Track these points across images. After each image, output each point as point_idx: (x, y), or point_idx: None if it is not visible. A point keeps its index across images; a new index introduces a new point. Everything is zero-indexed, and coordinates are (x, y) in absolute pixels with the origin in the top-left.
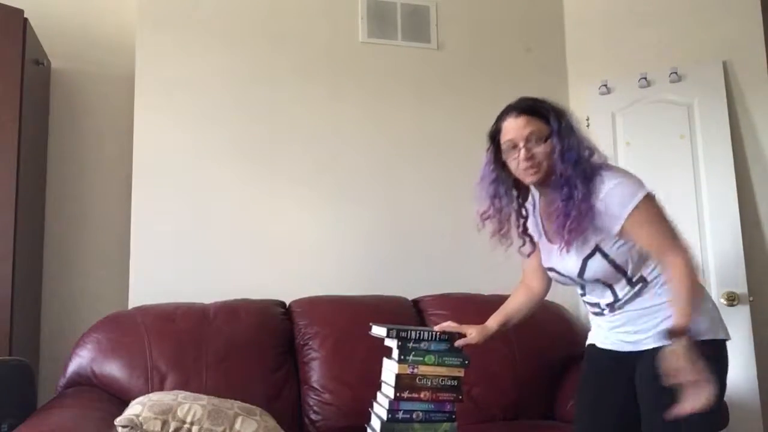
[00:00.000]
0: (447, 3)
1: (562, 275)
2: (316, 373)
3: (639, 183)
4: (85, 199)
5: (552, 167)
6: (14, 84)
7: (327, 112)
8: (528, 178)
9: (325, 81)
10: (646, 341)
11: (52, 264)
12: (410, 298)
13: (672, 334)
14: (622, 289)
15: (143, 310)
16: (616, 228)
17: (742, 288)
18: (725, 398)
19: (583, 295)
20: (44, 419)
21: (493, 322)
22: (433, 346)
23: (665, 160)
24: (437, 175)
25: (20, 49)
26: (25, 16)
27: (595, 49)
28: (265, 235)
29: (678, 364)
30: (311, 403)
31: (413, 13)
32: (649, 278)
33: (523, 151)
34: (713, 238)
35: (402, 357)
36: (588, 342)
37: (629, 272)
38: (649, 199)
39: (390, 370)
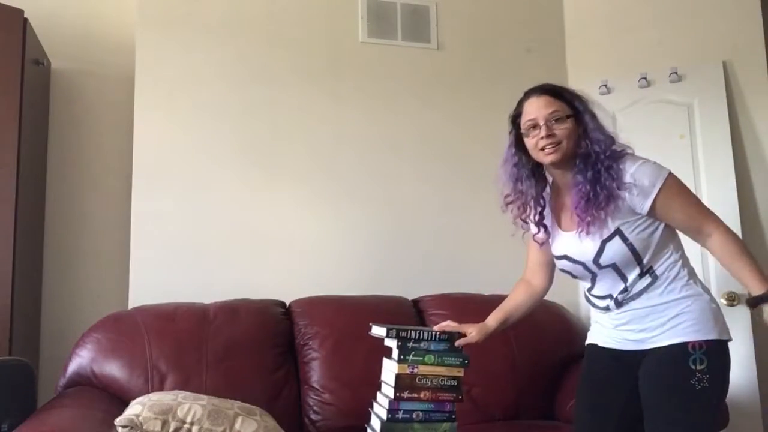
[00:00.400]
0: (447, 3)
1: (576, 262)
2: (316, 373)
3: (660, 165)
4: (85, 199)
5: (572, 148)
6: (14, 84)
7: (327, 112)
8: (546, 158)
9: (325, 81)
10: (652, 340)
11: (52, 264)
12: (410, 298)
13: (757, 301)
14: (633, 280)
15: (143, 310)
16: (647, 205)
17: (742, 288)
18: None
19: (591, 288)
20: (44, 419)
21: (493, 319)
22: (432, 346)
23: (665, 160)
24: (437, 174)
25: (20, 49)
26: (25, 16)
27: (595, 49)
28: (265, 235)
29: None
30: (311, 403)
31: (413, 13)
32: (658, 272)
33: (544, 128)
34: None
35: (402, 357)
36: (588, 341)
37: (645, 260)
38: (673, 176)
39: (390, 370)
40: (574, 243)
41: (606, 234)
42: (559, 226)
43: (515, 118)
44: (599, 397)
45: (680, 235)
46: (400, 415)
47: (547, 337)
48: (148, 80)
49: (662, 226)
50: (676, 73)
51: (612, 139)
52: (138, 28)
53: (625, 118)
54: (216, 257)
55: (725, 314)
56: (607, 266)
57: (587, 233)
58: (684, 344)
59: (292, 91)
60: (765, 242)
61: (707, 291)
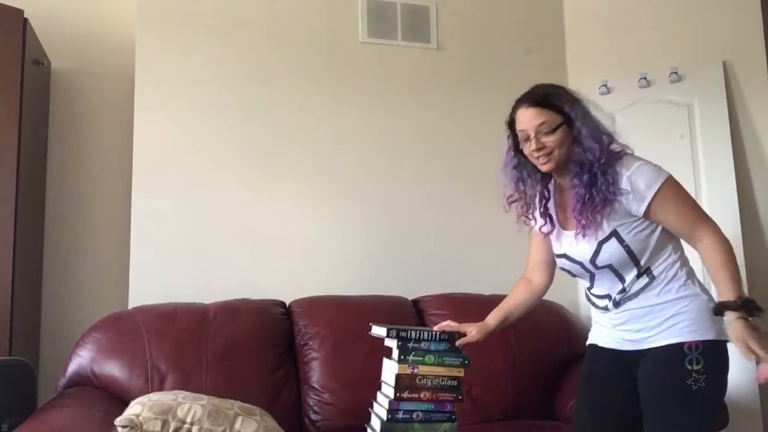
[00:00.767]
0: (447, 3)
1: (575, 261)
2: (316, 373)
3: (658, 166)
4: (85, 199)
5: (566, 155)
6: (14, 84)
7: (327, 112)
8: (541, 167)
9: (325, 81)
10: (649, 340)
11: (52, 264)
12: (410, 298)
13: (723, 308)
14: (631, 281)
15: (143, 310)
16: (642, 208)
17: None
18: (725, 398)
19: (590, 288)
20: (44, 419)
21: (493, 318)
22: (433, 346)
23: (665, 160)
24: (437, 174)
25: (20, 49)
26: (25, 16)
27: (595, 49)
28: (265, 235)
29: (742, 335)
30: (311, 403)
31: (413, 13)
32: (656, 273)
33: (534, 141)
34: None
35: (402, 357)
36: (588, 342)
37: (642, 261)
38: (672, 179)
39: (390, 370)
40: (572, 243)
41: (602, 235)
42: (561, 223)
43: (511, 123)
44: (598, 397)
45: None
46: (400, 415)
47: (547, 337)
48: (148, 80)
49: (660, 227)
50: (676, 73)
51: (610, 140)
52: (138, 28)
53: (625, 118)
54: (216, 257)
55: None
56: (604, 267)
57: (584, 235)
58: (680, 344)
59: (292, 91)
60: (765, 242)
61: (705, 291)
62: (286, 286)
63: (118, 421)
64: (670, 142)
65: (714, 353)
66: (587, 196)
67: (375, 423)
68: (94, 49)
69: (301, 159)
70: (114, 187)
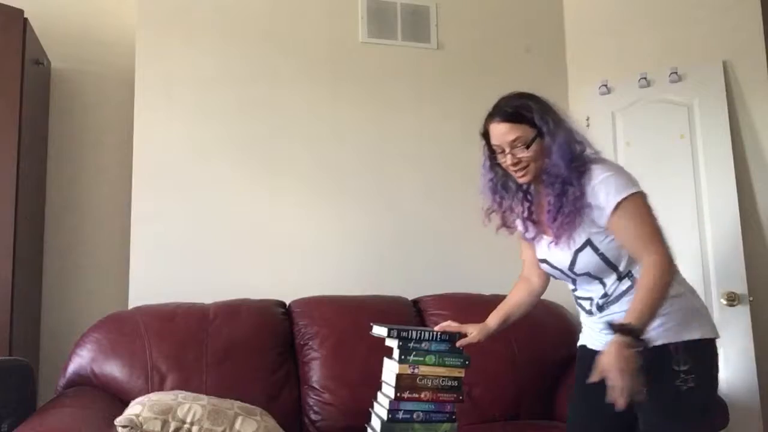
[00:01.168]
0: (447, 3)
1: (554, 267)
2: (316, 373)
3: (630, 179)
4: (84, 199)
5: (542, 167)
6: (14, 84)
7: (327, 112)
8: (519, 180)
9: (325, 81)
10: None
11: (52, 264)
12: (410, 298)
13: (617, 329)
14: (612, 285)
15: (143, 310)
16: (603, 220)
17: (742, 288)
18: (725, 398)
19: (575, 290)
20: (44, 419)
21: (494, 319)
22: (433, 347)
23: (665, 160)
24: (437, 174)
25: (20, 49)
26: (25, 16)
27: (595, 49)
28: (265, 235)
29: (611, 364)
30: (311, 403)
31: (413, 13)
32: (638, 276)
33: (509, 157)
34: (713, 238)
35: (402, 357)
36: (579, 343)
37: (621, 267)
38: (639, 196)
39: (390, 370)
40: (551, 249)
41: (576, 245)
42: (540, 229)
43: (485, 134)
44: (590, 398)
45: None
46: (401, 415)
47: (547, 337)
48: (148, 80)
49: None
50: (676, 73)
51: (582, 148)
52: (138, 28)
53: (625, 118)
54: (216, 257)
55: (725, 314)
56: (583, 274)
57: (556, 244)
58: (665, 346)
59: (292, 91)
60: (765, 242)
61: (689, 290)
62: (286, 286)
63: (118, 421)
64: (670, 142)
65: (701, 352)
66: (558, 206)
67: (375, 423)
68: (94, 49)
69: (301, 159)
70: (114, 187)
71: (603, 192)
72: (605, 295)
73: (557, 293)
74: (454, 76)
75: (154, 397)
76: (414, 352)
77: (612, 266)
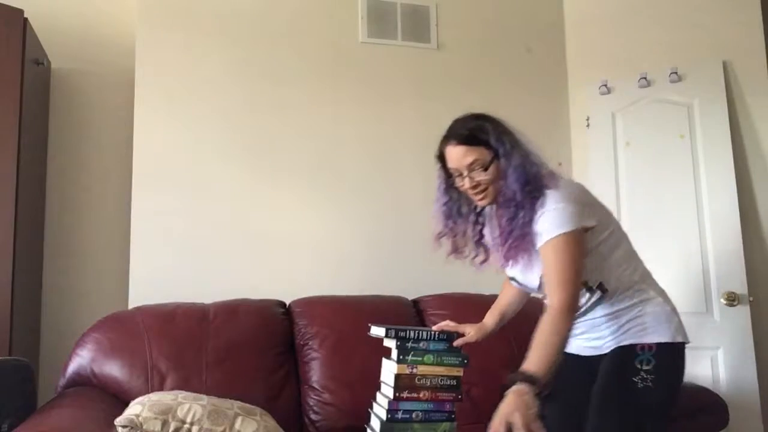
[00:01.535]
0: (447, 3)
1: (523, 285)
2: (316, 373)
3: (573, 215)
4: (84, 199)
5: (499, 189)
6: (14, 84)
7: (327, 113)
8: (479, 203)
9: (325, 81)
10: (606, 345)
11: (52, 264)
12: (410, 298)
13: (516, 378)
14: (583, 297)
15: (143, 310)
16: (538, 247)
17: (742, 288)
18: (725, 398)
19: (544, 298)
20: (44, 419)
21: (490, 319)
22: (431, 346)
23: (665, 160)
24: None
25: (20, 49)
26: (25, 16)
27: (595, 49)
28: (265, 234)
29: (510, 412)
30: (311, 403)
31: (413, 13)
32: (608, 286)
33: (467, 180)
34: (713, 238)
35: (401, 357)
36: None
37: (589, 282)
38: (571, 235)
39: (389, 370)
40: (517, 270)
41: (539, 268)
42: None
43: (441, 157)
44: (563, 396)
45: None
46: (400, 415)
47: None
48: (148, 80)
49: (594, 250)
50: (676, 73)
51: (538, 170)
52: (138, 28)
53: (625, 118)
54: (216, 257)
55: (725, 314)
56: None
57: (511, 267)
58: (633, 345)
59: (292, 90)
60: (765, 242)
61: (661, 293)
62: (286, 286)
63: (118, 421)
64: (670, 142)
65: (667, 355)
66: (509, 229)
67: (375, 423)
68: (94, 49)
69: (301, 159)
70: (114, 187)
71: (546, 223)
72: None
73: None
74: (454, 76)
75: (154, 397)
76: (412, 352)
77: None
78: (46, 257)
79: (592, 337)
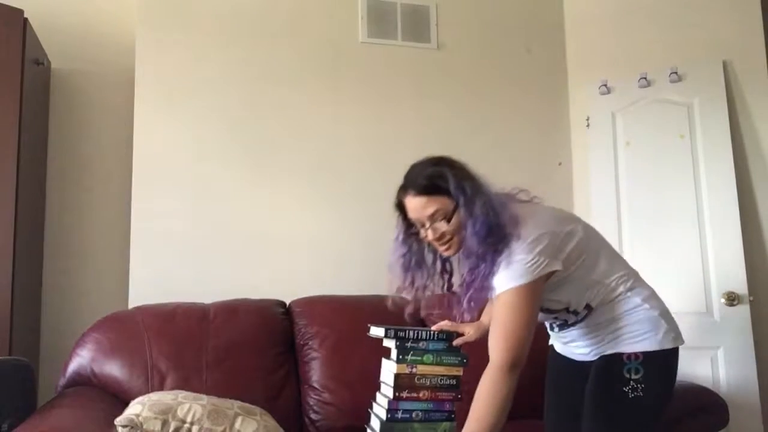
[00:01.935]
0: (447, 3)
1: None
2: (316, 373)
3: (529, 270)
4: (84, 199)
5: (463, 237)
6: (14, 84)
7: (327, 112)
8: (445, 254)
9: (325, 81)
10: (595, 352)
11: (52, 264)
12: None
13: None
14: (569, 317)
15: (143, 310)
16: (497, 291)
17: (742, 288)
18: (725, 398)
19: None
20: (44, 419)
21: (487, 318)
22: (431, 346)
23: (665, 160)
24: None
25: (20, 49)
26: (25, 16)
27: (595, 49)
28: (265, 234)
29: None
30: (311, 403)
31: (413, 13)
32: (593, 304)
33: (430, 232)
34: (713, 238)
35: (400, 357)
36: (550, 342)
37: (571, 308)
38: (523, 289)
39: (389, 370)
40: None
41: None
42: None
43: (399, 205)
44: (560, 397)
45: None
46: (400, 414)
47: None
48: (148, 80)
49: (568, 280)
50: (676, 73)
51: (499, 220)
52: (138, 28)
53: (625, 118)
54: (216, 257)
55: (725, 314)
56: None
57: (471, 319)
58: (620, 355)
59: (291, 91)
60: (765, 242)
61: (647, 298)
62: (286, 286)
63: (118, 420)
64: (670, 142)
65: (655, 362)
66: (470, 281)
67: (374, 423)
68: (94, 49)
69: (301, 159)
70: (114, 187)
71: (501, 276)
72: (563, 323)
73: None
74: (454, 76)
75: (154, 396)
76: (411, 352)
77: (563, 310)
78: (46, 257)
79: (581, 345)
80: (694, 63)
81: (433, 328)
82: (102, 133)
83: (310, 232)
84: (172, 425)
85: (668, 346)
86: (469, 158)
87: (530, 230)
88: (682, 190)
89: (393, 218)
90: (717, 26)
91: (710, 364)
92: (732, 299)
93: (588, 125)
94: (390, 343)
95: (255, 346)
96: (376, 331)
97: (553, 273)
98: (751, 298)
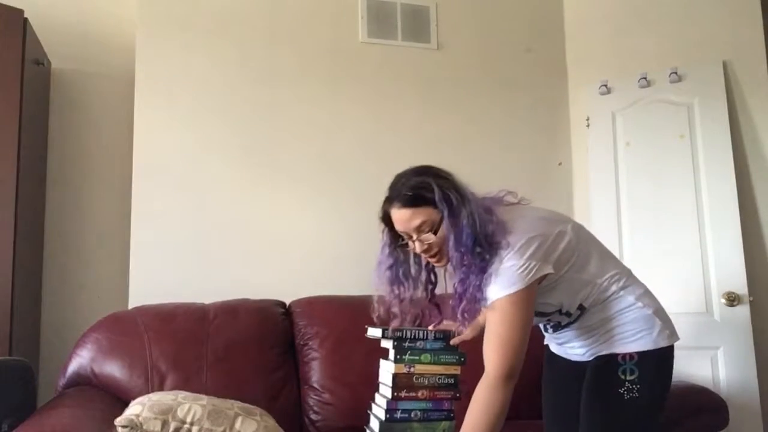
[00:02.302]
0: (447, 3)
1: None
2: (316, 373)
3: (520, 276)
4: (85, 199)
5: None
6: (14, 84)
7: (327, 113)
8: (435, 266)
9: (325, 81)
10: (590, 352)
11: (52, 264)
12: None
13: None
14: (562, 318)
15: (143, 310)
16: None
17: (742, 288)
18: (725, 398)
19: None
20: (44, 419)
21: (483, 316)
22: (428, 345)
23: (665, 160)
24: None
25: (20, 49)
26: (25, 16)
27: (595, 49)
28: (265, 234)
29: None
30: (311, 403)
31: (413, 13)
32: (586, 304)
33: (417, 244)
34: (713, 238)
35: (398, 357)
36: (545, 342)
37: (564, 309)
38: (516, 296)
39: (387, 370)
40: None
41: None
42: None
43: (385, 217)
44: (557, 397)
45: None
46: (399, 414)
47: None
48: (148, 80)
49: (560, 282)
50: (676, 73)
51: (486, 230)
52: (138, 28)
53: (625, 118)
54: (216, 257)
55: (725, 314)
56: None
57: (466, 326)
58: (614, 355)
59: (292, 91)
60: (765, 242)
61: (640, 297)
62: (286, 286)
63: (118, 421)
64: (670, 142)
65: (651, 362)
66: (461, 291)
67: (374, 424)
68: (94, 49)
69: (301, 159)
70: (114, 187)
71: (492, 285)
72: (556, 325)
73: None
74: (454, 76)
75: (154, 397)
76: (409, 352)
77: (556, 311)
78: (46, 257)
79: (576, 345)
80: (694, 63)
81: (430, 327)
82: (102, 133)
83: (310, 232)
84: (172, 425)
85: (663, 344)
86: (469, 158)
87: (519, 235)
88: (682, 190)
89: None
90: (717, 26)
91: (710, 364)
92: (732, 299)
93: (588, 125)
94: (387, 344)
95: (255, 346)
96: (374, 332)
97: (545, 277)
98: (751, 298)
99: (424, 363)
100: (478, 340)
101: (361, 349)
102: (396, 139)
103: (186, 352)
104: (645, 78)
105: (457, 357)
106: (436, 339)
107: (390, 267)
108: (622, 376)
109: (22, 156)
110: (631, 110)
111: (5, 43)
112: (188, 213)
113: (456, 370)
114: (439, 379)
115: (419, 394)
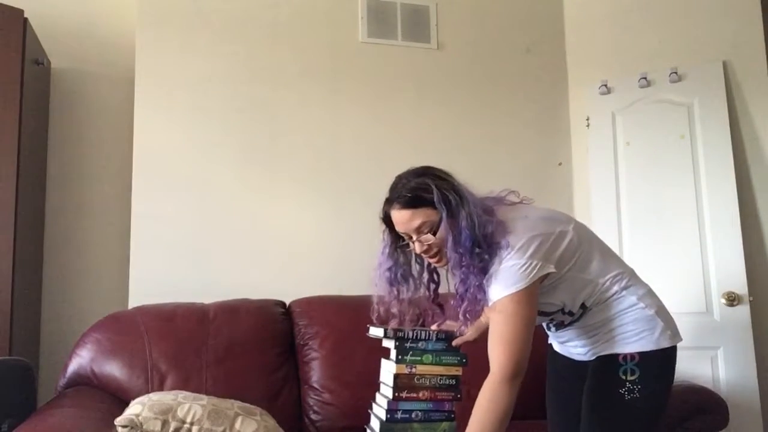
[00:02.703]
0: (447, 3)
1: None
2: (316, 373)
3: (522, 275)
4: (85, 199)
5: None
6: (14, 84)
7: (327, 112)
8: (436, 266)
9: (325, 81)
10: (592, 352)
11: (52, 264)
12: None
13: None
14: (564, 318)
15: (143, 310)
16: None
17: (742, 288)
18: (725, 398)
19: None
20: (44, 419)
21: (485, 317)
22: (430, 346)
23: (665, 160)
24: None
25: (20, 49)
26: (25, 16)
27: (595, 49)
28: (265, 234)
29: None
30: (311, 403)
31: (413, 13)
32: (588, 303)
33: (417, 245)
34: (713, 238)
35: (399, 357)
36: (549, 340)
37: (566, 309)
38: (518, 295)
39: (388, 370)
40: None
41: None
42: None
43: (386, 218)
44: (559, 397)
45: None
46: (399, 415)
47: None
48: (148, 80)
49: (562, 281)
50: (676, 73)
51: (485, 230)
52: (138, 28)
53: (625, 118)
54: (216, 257)
55: (725, 314)
56: None
57: (467, 326)
58: (615, 356)
59: (292, 91)
60: (765, 242)
61: (642, 297)
62: (286, 286)
63: (118, 421)
64: (670, 142)
65: (652, 362)
66: (462, 291)
67: (374, 424)
68: (94, 49)
69: (301, 159)
70: (114, 187)
71: (494, 285)
72: (558, 324)
73: None
74: (454, 76)
75: (154, 397)
76: (411, 352)
77: (558, 311)
78: (46, 257)
79: (578, 345)
80: (694, 63)
81: (432, 327)
82: (102, 133)
83: (310, 232)
84: (172, 425)
85: (665, 345)
86: (469, 158)
87: (520, 235)
88: (682, 190)
89: None
90: (717, 26)
91: (710, 364)
92: (732, 299)
93: (588, 125)
94: (389, 344)
95: (255, 346)
96: (375, 332)
97: (546, 276)
98: (751, 298)
99: (425, 364)
100: (479, 342)
101: (362, 349)
102: (396, 139)
103: (186, 352)
104: (645, 78)
105: (458, 358)
106: (438, 340)
107: (390, 268)
108: (623, 377)
109: (22, 156)
110: (631, 110)
111: (5, 42)
112: (188, 213)
113: (457, 371)
114: (440, 379)
115: (420, 394)
